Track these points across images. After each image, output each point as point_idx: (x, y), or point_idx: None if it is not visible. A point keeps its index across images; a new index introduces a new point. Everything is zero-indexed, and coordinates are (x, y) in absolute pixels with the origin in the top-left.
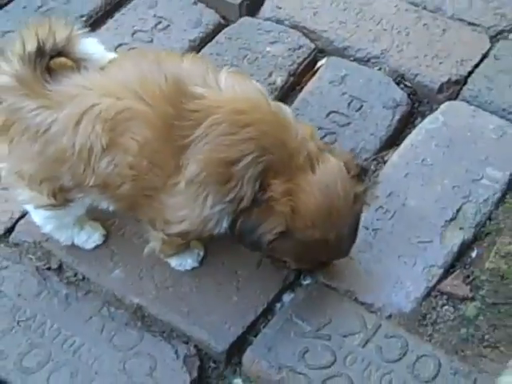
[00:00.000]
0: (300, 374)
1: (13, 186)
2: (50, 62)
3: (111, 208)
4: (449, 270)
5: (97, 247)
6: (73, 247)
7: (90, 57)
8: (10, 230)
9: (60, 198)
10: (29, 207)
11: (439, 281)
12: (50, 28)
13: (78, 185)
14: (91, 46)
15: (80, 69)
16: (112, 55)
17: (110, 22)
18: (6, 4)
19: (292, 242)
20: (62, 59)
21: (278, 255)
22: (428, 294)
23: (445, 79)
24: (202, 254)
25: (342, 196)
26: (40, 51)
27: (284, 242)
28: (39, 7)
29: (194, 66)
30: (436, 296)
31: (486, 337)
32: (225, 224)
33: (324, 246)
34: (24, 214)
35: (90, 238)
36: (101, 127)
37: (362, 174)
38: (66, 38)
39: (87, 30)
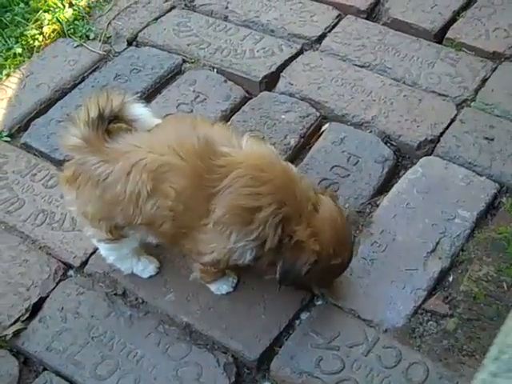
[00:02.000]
0: (316, 378)
1: (81, 224)
2: (109, 125)
3: (155, 242)
4: (431, 292)
5: (152, 276)
6: (134, 276)
7: (139, 118)
8: (84, 263)
9: (115, 233)
10: (94, 241)
11: (424, 301)
12: (107, 97)
13: (129, 223)
14: (139, 109)
15: (132, 130)
16: (157, 120)
17: (159, 97)
18: (77, 84)
19: (320, 269)
20: (119, 124)
21: (310, 282)
22: (415, 312)
23: (422, 139)
24: (235, 281)
25: (342, 223)
26: (101, 116)
27: (315, 271)
28: (104, 86)
29: (222, 131)
30: (422, 313)
31: (464, 347)
32: (248, 257)
33: (340, 265)
34: (95, 250)
35: (145, 268)
36: (146, 176)
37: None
38: (120, 104)
39: (136, 97)
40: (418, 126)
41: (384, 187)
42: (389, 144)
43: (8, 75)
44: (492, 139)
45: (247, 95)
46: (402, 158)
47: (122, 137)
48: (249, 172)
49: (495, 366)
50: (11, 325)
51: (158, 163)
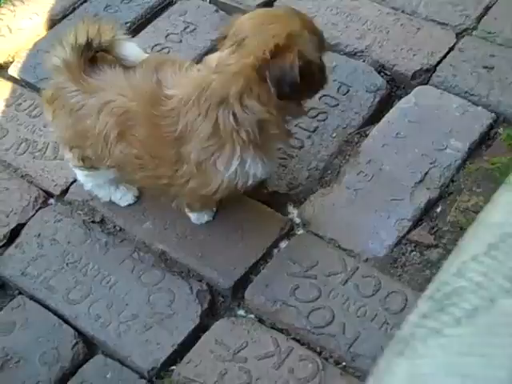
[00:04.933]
0: (291, 306)
1: (60, 147)
2: (95, 55)
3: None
4: (417, 222)
5: (132, 205)
6: (112, 204)
7: (127, 58)
8: (64, 192)
9: (87, 163)
10: (70, 165)
11: (408, 231)
12: (98, 29)
13: (99, 161)
14: (129, 49)
15: (116, 64)
16: (144, 56)
17: (149, 27)
18: (67, 15)
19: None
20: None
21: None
22: (399, 242)
23: (417, 68)
24: (215, 209)
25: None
26: (88, 45)
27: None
28: (94, 16)
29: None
30: (405, 244)
31: None
32: (258, 169)
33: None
34: (76, 180)
35: (123, 196)
36: (114, 120)
37: None
38: (109, 40)
39: (129, 35)
40: (414, 55)
41: (375, 117)
42: (382, 73)
43: None
44: (492, 68)
45: None
46: (395, 88)
47: (102, 70)
48: (195, 106)
49: (427, 305)
50: None
51: (123, 109)
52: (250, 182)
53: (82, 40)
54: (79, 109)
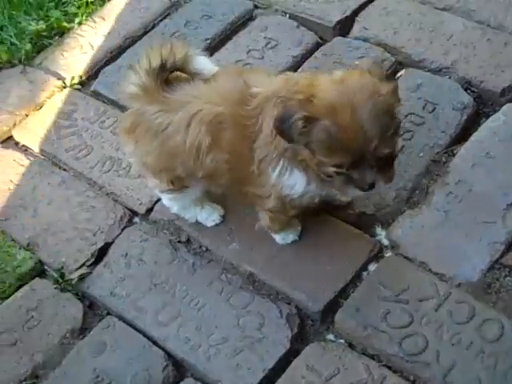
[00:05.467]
0: (382, 332)
1: (143, 175)
2: (169, 75)
3: (219, 192)
4: (510, 246)
5: (217, 225)
6: (198, 224)
7: (201, 72)
8: (149, 210)
9: (177, 184)
10: (156, 191)
11: (502, 255)
12: (171, 49)
13: (190, 175)
14: (202, 63)
15: (190, 80)
16: (216, 69)
17: (230, 43)
18: (147, 31)
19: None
20: (178, 73)
21: (310, 151)
22: (492, 267)
23: (506, 84)
24: (300, 228)
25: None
26: (162, 67)
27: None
28: (174, 33)
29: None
30: (499, 268)
31: None
32: (297, 184)
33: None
34: (160, 199)
35: (209, 216)
36: (205, 129)
37: None
38: (183, 58)
39: (200, 50)
40: (502, 71)
41: (462, 136)
42: (469, 91)
43: (80, 23)
44: None
45: (320, 41)
46: (483, 106)
47: (179, 86)
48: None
49: None
50: (77, 269)
51: (213, 115)
52: (294, 196)
53: (156, 63)
54: (165, 128)
